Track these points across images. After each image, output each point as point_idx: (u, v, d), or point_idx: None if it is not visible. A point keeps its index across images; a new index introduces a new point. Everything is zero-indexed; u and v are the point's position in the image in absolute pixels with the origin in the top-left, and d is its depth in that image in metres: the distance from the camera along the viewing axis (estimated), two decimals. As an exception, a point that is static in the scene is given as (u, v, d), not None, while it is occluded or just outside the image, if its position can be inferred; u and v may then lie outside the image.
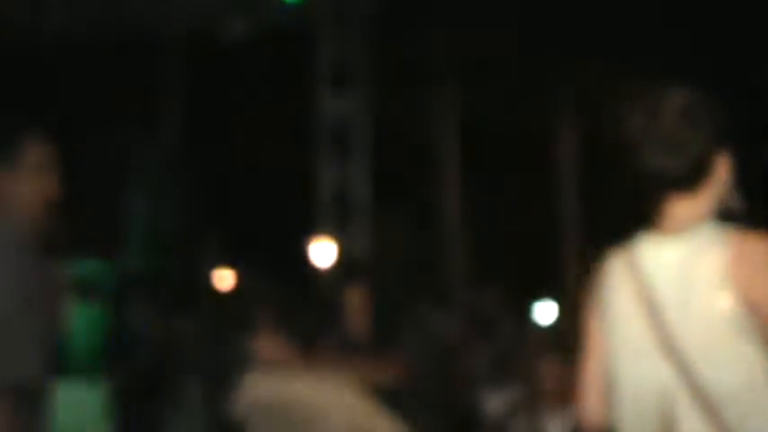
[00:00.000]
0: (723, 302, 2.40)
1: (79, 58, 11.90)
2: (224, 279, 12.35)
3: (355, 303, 5.32)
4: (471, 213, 17.31)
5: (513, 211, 18.40)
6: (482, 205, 17.80)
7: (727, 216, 2.56)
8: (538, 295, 16.35)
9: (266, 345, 3.96)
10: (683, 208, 2.53)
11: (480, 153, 17.64)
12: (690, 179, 2.52)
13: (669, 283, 2.48)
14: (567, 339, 8.23)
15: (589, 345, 2.76)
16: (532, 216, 18.28)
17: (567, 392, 5.90)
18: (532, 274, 16.60)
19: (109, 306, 8.42)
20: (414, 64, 15.49)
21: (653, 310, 2.48)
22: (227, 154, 12.66)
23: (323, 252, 11.77)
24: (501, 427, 7.05)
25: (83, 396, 7.44)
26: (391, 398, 4.48)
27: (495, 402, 7.46)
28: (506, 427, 6.93)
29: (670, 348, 2.44)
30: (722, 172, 2.55)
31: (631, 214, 2.68)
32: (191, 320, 7.71)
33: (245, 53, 12.45)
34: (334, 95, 11.14)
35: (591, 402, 2.70)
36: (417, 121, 16.81)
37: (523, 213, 18.33)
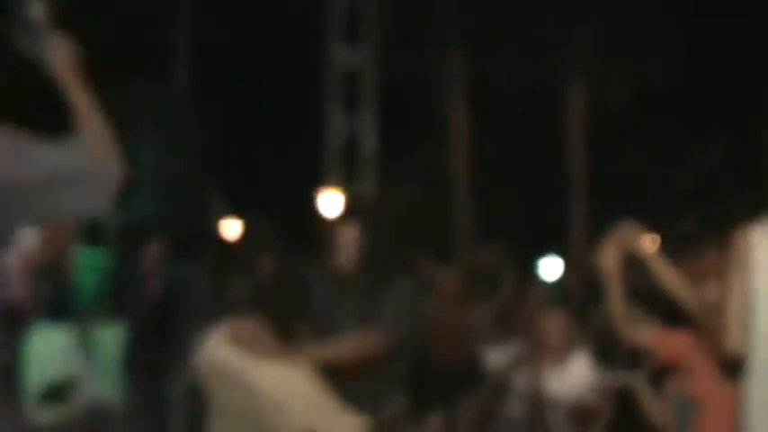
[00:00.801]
0: None
1: (90, 3, 11.86)
2: (230, 228, 12.37)
3: (347, 239, 5.31)
4: (478, 169, 17.30)
5: (520, 167, 18.39)
6: (489, 161, 17.79)
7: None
8: (543, 251, 16.38)
9: (241, 321, 3.83)
10: None
11: (488, 109, 17.60)
12: None
13: None
14: (572, 294, 8.27)
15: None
16: (539, 173, 18.27)
17: (569, 347, 5.94)
18: (538, 230, 16.61)
19: (116, 249, 8.47)
20: (425, 18, 15.42)
21: None
22: (237, 102, 12.62)
23: (331, 201, 11.80)
24: (503, 382, 7.09)
25: (90, 336, 7.50)
26: (380, 369, 4.49)
27: (497, 357, 7.49)
28: (508, 381, 6.97)
29: None
30: None
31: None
32: (196, 267, 7.75)
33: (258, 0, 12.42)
34: (346, 47, 11.11)
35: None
36: (427, 75, 16.75)
37: (530, 170, 18.31)
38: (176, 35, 12.91)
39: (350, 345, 4.35)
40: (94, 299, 8.22)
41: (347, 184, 11.35)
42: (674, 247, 4.48)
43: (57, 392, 7.13)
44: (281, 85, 12.38)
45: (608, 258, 4.39)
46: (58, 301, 8.17)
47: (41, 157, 2.04)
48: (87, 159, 2.10)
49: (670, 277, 4.13)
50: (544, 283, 12.09)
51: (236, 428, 3.59)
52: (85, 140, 2.13)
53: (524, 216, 17.83)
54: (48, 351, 7.27)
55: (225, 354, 3.66)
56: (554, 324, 5.97)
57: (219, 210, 12.34)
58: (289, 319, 3.96)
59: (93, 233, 8.83)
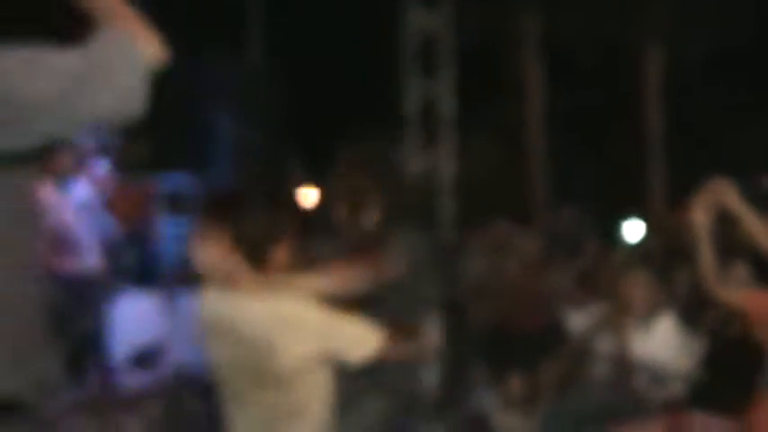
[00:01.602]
0: None
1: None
2: (309, 196, 12.45)
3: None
4: (555, 131, 17.18)
5: (598, 129, 18.22)
6: (566, 123, 17.64)
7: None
8: (625, 214, 16.23)
9: (209, 252, 3.20)
10: None
11: (564, 70, 17.44)
12: None
13: None
14: (654, 256, 8.19)
15: None
16: (617, 135, 18.08)
17: (653, 309, 5.89)
18: (619, 192, 16.46)
19: (197, 218, 8.55)
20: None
21: None
22: (313, 70, 12.67)
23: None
24: (585, 345, 7.06)
25: (175, 303, 7.62)
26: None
27: (578, 320, 7.46)
28: (590, 344, 6.93)
29: None
30: None
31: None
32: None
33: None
34: (424, 11, 11.04)
35: None
36: (502, 38, 16.64)
37: (608, 132, 18.12)
38: (251, 4, 12.97)
39: (346, 273, 3.69)
40: (177, 266, 8.33)
41: (424, 148, 11.32)
42: (752, 208, 4.39)
43: (145, 357, 7.25)
44: (357, 52, 12.40)
45: (699, 216, 4.29)
46: (142, 268, 8.30)
47: (56, 65, 1.87)
48: (100, 55, 1.91)
49: (766, 235, 4.05)
50: (626, 246, 11.99)
51: (242, 383, 3.21)
52: (103, 34, 1.95)
53: (604, 178, 17.66)
54: (134, 317, 7.39)
55: (208, 303, 3.24)
56: (638, 286, 5.92)
57: (298, 179, 12.42)
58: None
59: (175, 202, 8.94)
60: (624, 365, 6.03)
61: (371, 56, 12.14)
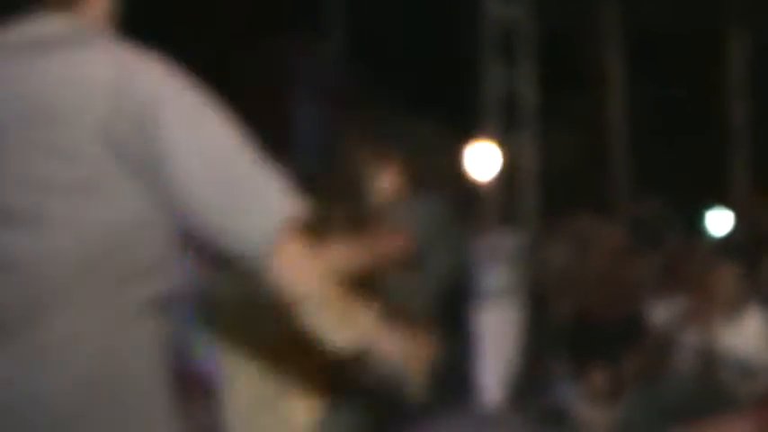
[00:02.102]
0: None
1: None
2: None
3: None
4: (636, 119, 16.98)
5: (680, 117, 17.97)
6: (647, 110, 17.42)
7: None
8: (709, 204, 15.97)
9: None
10: None
11: (645, 57, 17.21)
12: None
13: None
14: (741, 248, 8.05)
15: None
16: (700, 123, 17.81)
17: (741, 302, 5.79)
18: (703, 182, 16.22)
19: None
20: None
21: None
22: (392, 60, 12.67)
23: (486, 156, 11.72)
24: (669, 337, 6.97)
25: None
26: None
27: (662, 312, 7.37)
28: (674, 336, 6.84)
29: None
30: None
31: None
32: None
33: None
34: (502, 1, 10.99)
35: None
36: (583, 26, 16.48)
37: (691, 120, 17.87)
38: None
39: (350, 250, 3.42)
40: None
41: (504, 139, 11.27)
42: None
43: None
44: (436, 41, 12.36)
45: None
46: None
47: None
48: None
49: None
50: (711, 237, 11.81)
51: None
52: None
53: (688, 168, 17.40)
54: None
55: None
56: (724, 278, 5.81)
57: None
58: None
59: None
60: (710, 358, 5.94)
61: (451, 47, 12.11)
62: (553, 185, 12.63)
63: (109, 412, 1.83)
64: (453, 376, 8.12)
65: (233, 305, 3.05)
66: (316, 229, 3.01)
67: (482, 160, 11.88)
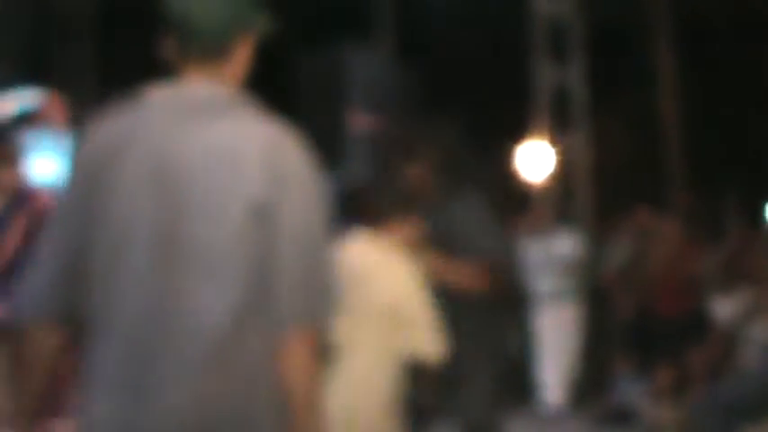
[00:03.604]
0: None
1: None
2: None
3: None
4: (691, 114, 16.79)
5: (734, 111, 17.74)
6: (701, 105, 17.22)
7: None
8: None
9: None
10: None
11: (698, 51, 17.02)
12: None
13: None
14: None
15: None
16: (755, 115, 17.57)
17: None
18: (763, 174, 15.97)
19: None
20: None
21: None
22: (442, 61, 12.62)
23: (539, 155, 11.61)
24: (734, 332, 6.86)
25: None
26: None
27: (726, 307, 7.26)
28: (740, 331, 6.73)
29: None
30: None
31: None
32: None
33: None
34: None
35: None
36: (633, 20, 16.32)
37: (745, 113, 17.64)
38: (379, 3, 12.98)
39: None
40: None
41: (557, 137, 11.17)
42: None
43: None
44: (485, 40, 12.30)
45: None
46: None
47: None
48: None
49: None
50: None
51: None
52: None
53: (744, 161, 17.17)
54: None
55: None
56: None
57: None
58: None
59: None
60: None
61: (501, 44, 12.04)
62: (608, 183, 12.50)
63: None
64: (517, 376, 8.07)
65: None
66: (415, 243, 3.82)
67: (534, 159, 11.78)
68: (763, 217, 13.69)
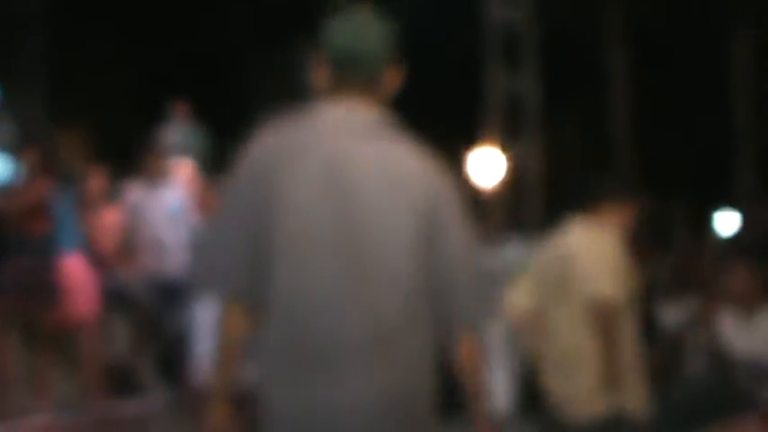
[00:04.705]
0: None
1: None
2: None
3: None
4: (642, 120, 16.91)
5: (686, 118, 17.89)
6: (653, 112, 17.35)
7: None
8: (718, 205, 15.87)
9: None
10: None
11: (650, 57, 17.15)
12: None
13: None
14: (750, 248, 7.98)
15: None
16: (705, 124, 17.73)
17: (756, 302, 5.70)
18: (711, 183, 16.12)
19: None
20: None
21: None
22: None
23: (490, 162, 11.63)
24: (681, 339, 6.90)
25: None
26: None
27: (673, 313, 7.30)
28: (687, 338, 6.77)
29: None
30: None
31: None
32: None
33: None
34: (504, 2, 10.92)
35: None
36: (586, 28, 16.42)
37: (696, 121, 17.79)
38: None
39: None
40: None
41: (509, 143, 11.21)
42: None
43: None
44: (440, 46, 12.29)
45: None
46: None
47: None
48: None
49: None
50: (720, 238, 11.73)
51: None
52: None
53: (694, 169, 17.32)
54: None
55: None
56: (737, 278, 5.73)
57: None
58: None
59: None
60: (722, 360, 5.85)
61: (452, 49, 12.05)
62: (559, 190, 12.55)
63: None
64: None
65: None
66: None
67: (485, 166, 11.80)
68: (711, 225, 13.86)
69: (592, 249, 4.27)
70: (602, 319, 4.22)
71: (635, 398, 4.29)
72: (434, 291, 2.56)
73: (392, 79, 2.68)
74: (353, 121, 2.60)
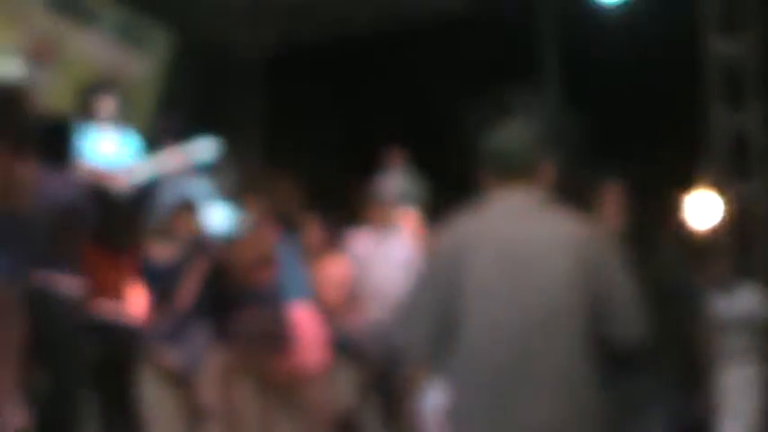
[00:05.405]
0: None
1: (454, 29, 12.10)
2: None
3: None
4: None
5: None
6: None
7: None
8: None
9: None
10: None
11: None
12: None
13: None
14: None
15: None
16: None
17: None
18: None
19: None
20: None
21: None
22: (610, 108, 12.33)
23: (708, 205, 11.18)
24: None
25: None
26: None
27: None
28: None
29: None
30: None
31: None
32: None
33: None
34: (724, 39, 10.51)
35: None
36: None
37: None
38: (547, 46, 12.81)
39: None
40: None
41: (732, 185, 10.73)
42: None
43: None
44: (655, 87, 11.96)
45: None
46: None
47: None
48: None
49: None
50: None
51: None
52: None
53: None
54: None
55: None
56: None
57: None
58: None
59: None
60: None
61: (673, 86, 11.69)
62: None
63: None
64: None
65: None
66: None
67: (703, 209, 11.36)
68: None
69: None
70: None
71: None
72: (595, 314, 3.16)
73: (547, 170, 3.33)
74: (516, 206, 3.26)
